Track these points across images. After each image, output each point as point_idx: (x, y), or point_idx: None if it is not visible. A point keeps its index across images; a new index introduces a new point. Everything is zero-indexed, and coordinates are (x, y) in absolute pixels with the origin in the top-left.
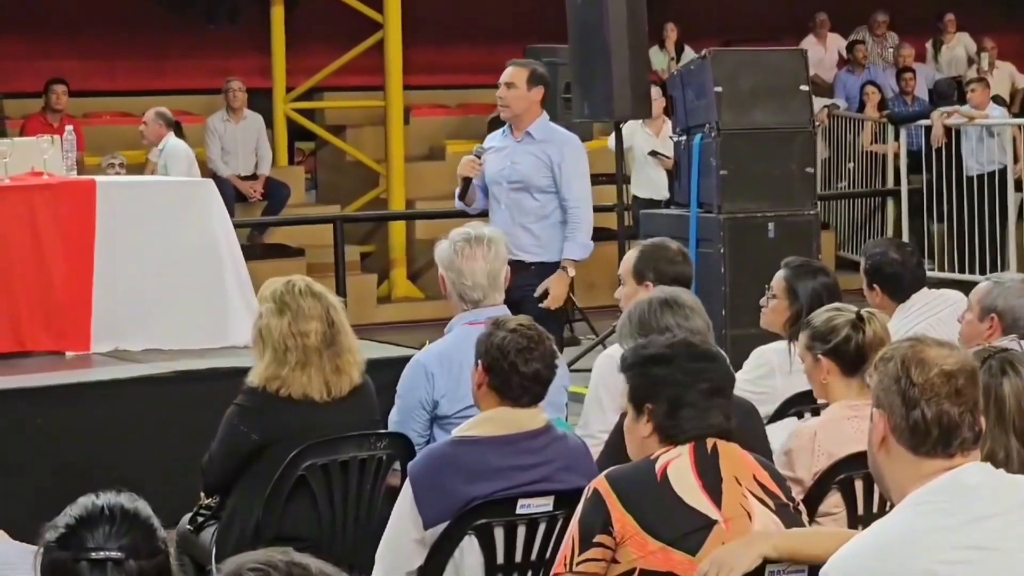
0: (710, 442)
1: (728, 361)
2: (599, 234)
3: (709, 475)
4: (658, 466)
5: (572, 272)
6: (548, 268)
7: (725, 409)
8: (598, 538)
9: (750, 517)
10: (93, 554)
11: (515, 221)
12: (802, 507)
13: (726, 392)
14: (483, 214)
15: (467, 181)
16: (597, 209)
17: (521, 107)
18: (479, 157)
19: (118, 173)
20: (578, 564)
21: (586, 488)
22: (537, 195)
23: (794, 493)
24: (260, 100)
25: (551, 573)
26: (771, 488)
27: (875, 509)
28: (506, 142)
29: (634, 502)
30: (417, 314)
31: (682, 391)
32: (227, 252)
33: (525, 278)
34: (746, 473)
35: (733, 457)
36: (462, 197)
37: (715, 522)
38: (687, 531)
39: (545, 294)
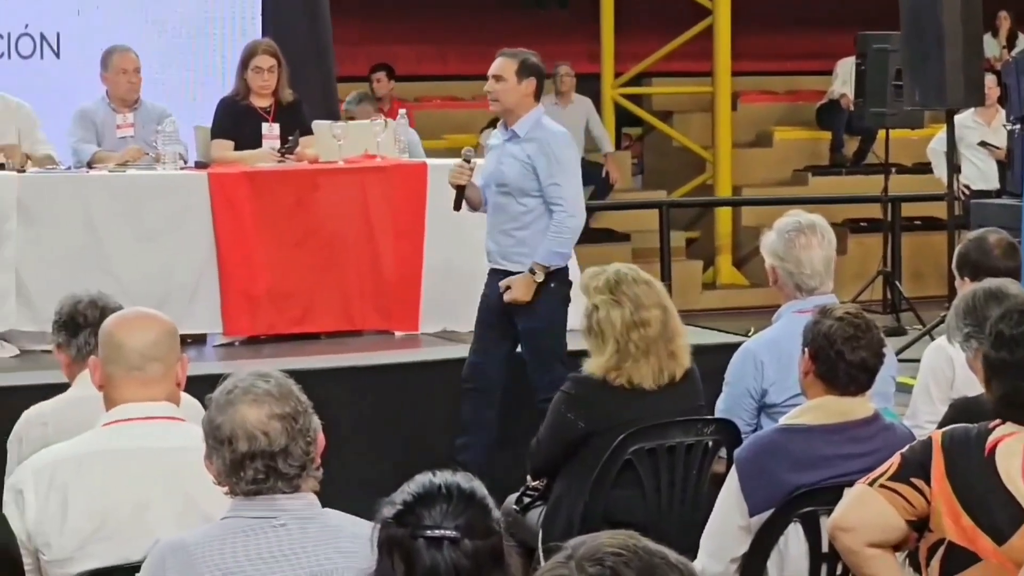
0: None
1: None
2: (929, 224)
3: None
4: (991, 439)
5: (540, 277)
6: None
7: None
8: (915, 480)
9: None
10: (429, 531)
11: (501, 227)
12: None
13: None
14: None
15: (460, 189)
16: (927, 198)
17: (511, 101)
18: (468, 162)
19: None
20: (881, 485)
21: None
22: (522, 200)
23: None
24: (588, 85)
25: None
26: None
27: None
28: (499, 140)
29: (957, 470)
30: (741, 301)
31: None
32: None
33: None
34: None
35: None
36: (457, 207)
37: None
38: (999, 517)
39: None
